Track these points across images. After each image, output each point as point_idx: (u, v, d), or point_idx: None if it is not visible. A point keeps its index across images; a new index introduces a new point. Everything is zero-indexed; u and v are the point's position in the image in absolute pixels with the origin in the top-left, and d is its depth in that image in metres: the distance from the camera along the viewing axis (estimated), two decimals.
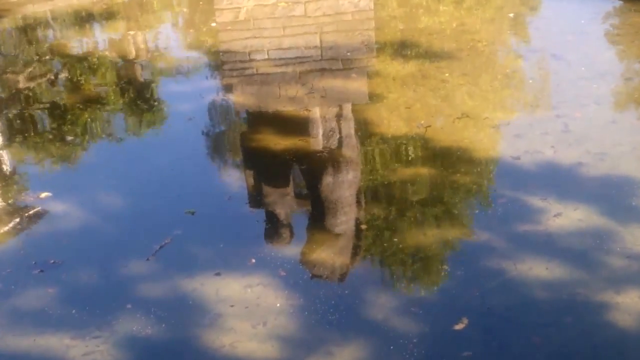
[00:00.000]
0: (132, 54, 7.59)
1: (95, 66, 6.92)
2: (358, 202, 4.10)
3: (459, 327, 2.89)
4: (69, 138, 5.20)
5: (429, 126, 4.76)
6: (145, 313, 3.08)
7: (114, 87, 6.40)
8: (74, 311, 3.12)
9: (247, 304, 3.10)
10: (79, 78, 6.69)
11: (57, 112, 5.84)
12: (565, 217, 3.62)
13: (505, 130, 4.79)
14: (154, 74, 6.93)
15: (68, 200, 4.14)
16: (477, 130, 4.76)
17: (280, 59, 6.61)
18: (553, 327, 2.87)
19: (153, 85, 6.61)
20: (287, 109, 5.46)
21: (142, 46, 7.92)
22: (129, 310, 3.11)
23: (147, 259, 3.49)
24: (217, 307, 3.09)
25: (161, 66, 7.03)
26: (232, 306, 3.09)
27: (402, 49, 6.44)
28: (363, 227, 3.79)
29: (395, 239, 3.59)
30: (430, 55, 6.13)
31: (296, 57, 6.64)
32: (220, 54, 7.00)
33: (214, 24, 7.61)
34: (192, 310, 3.09)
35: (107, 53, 7.31)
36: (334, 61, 6.49)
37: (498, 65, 6.13)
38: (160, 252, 3.54)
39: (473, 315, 2.95)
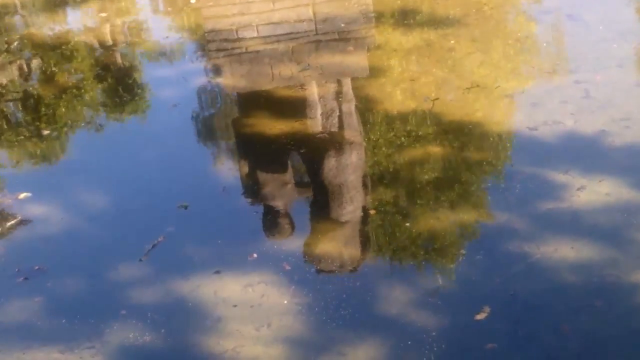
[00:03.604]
0: (109, 38, 7.53)
1: (70, 54, 6.87)
2: (364, 186, 4.08)
3: (480, 317, 2.88)
4: (46, 132, 5.17)
5: (437, 99, 4.73)
6: (141, 319, 3.07)
7: (91, 75, 6.35)
8: (63, 321, 3.12)
9: (249, 304, 3.09)
10: (53, 68, 6.64)
11: (32, 104, 5.81)
12: (591, 191, 3.60)
13: (520, 100, 4.76)
14: (133, 59, 6.87)
15: (49, 200, 4.13)
16: (489, 101, 4.73)
17: (271, 35, 6.56)
18: (584, 312, 2.86)
19: (133, 70, 6.56)
20: (281, 89, 5.42)
21: (119, 29, 7.85)
22: (123, 316, 3.10)
23: (140, 260, 3.47)
24: (217, 309, 3.09)
25: (141, 50, 6.98)
26: (234, 306, 3.08)
27: (403, 16, 6.39)
28: (372, 212, 3.77)
29: (407, 225, 3.58)
30: (434, 22, 6.09)
31: (288, 32, 6.59)
32: (205, 33, 6.94)
33: (193, 1, 7.55)
34: (191, 314, 3.08)
35: (82, 39, 7.25)
36: (330, 34, 6.45)
37: (509, 29, 6.09)
38: (154, 252, 3.53)
39: (496, 303, 2.94)
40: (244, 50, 6.44)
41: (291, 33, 6.53)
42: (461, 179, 3.98)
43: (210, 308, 3.10)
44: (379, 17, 6.54)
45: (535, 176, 3.80)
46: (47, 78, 6.31)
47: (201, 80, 5.90)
